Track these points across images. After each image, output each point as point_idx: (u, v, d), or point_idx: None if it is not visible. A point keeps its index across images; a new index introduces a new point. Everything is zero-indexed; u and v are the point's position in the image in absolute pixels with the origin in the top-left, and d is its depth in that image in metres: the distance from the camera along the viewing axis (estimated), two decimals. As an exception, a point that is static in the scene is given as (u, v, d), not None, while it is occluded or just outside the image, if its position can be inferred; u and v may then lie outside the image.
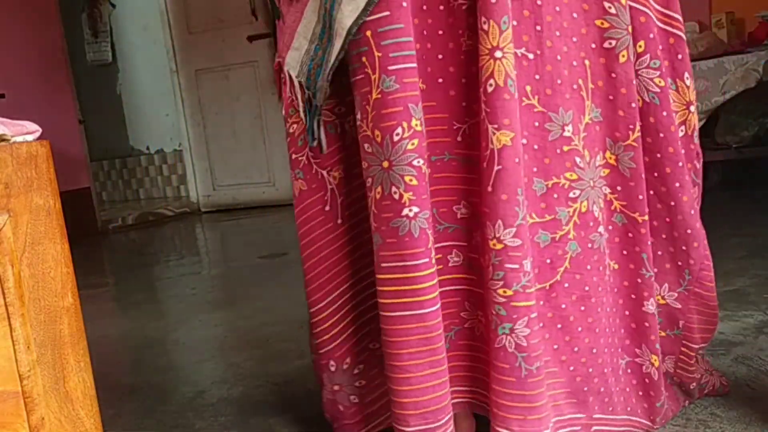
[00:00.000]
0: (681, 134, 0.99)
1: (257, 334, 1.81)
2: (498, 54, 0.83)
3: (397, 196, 0.85)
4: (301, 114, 0.96)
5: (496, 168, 0.85)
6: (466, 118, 0.90)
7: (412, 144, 0.84)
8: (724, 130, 3.02)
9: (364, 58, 0.85)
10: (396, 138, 0.84)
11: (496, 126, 0.84)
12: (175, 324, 2.04)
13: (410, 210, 0.85)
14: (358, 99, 0.88)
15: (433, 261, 0.88)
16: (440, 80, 0.90)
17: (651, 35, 0.95)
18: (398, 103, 0.84)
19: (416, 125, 0.85)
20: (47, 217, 0.61)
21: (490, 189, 0.86)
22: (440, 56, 0.90)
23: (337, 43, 0.86)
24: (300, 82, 0.95)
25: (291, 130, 0.99)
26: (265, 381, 1.46)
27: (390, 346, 0.89)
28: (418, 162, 0.85)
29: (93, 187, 4.27)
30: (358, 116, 0.88)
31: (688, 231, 1.01)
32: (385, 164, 0.85)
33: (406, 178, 0.85)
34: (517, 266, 0.86)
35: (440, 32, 0.89)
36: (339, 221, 0.99)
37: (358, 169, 0.95)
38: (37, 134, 0.64)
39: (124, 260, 3.44)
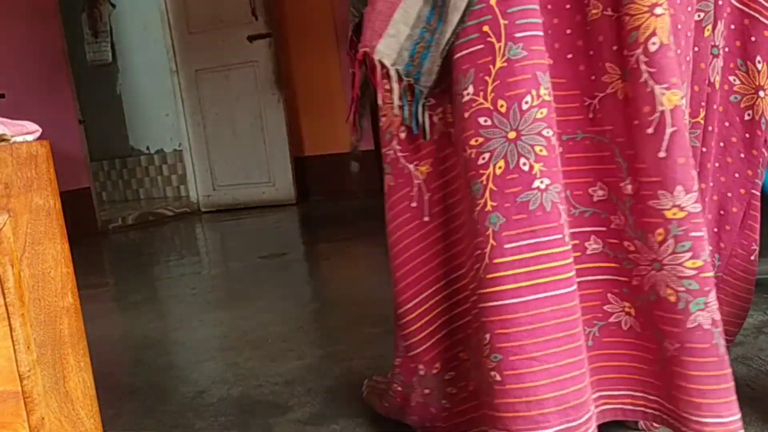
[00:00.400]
0: (747, 118, 0.97)
1: (257, 334, 1.81)
2: (658, 10, 0.78)
3: (526, 168, 0.80)
4: (396, 103, 0.92)
5: (669, 130, 0.79)
6: (595, 93, 0.86)
7: (541, 113, 0.81)
8: (724, 130, 3.02)
9: (485, 27, 0.81)
10: (525, 106, 0.80)
11: (665, 86, 0.79)
12: (175, 324, 2.04)
13: (541, 182, 0.81)
14: (471, 72, 0.83)
15: (567, 239, 0.82)
16: (570, 56, 0.86)
17: (720, 21, 0.92)
18: (526, 70, 0.80)
19: (544, 94, 0.81)
20: (47, 217, 0.61)
21: (663, 154, 0.80)
22: (569, 31, 0.86)
23: (455, 17, 0.83)
24: (397, 70, 0.91)
25: (380, 124, 0.95)
26: (265, 381, 1.46)
27: (519, 337, 0.81)
28: (548, 132, 0.81)
29: (93, 187, 4.27)
30: (471, 90, 0.83)
31: (721, 213, 0.99)
32: (512, 135, 0.81)
33: (536, 149, 0.80)
34: (702, 234, 0.80)
35: (567, 6, 0.86)
36: (426, 218, 0.94)
37: (448, 164, 0.92)
38: (37, 134, 0.64)
39: (124, 260, 3.44)
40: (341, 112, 4.64)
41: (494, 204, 0.82)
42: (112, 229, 4.32)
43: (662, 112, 0.79)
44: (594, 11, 0.84)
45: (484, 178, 0.82)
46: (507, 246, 0.81)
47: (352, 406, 1.28)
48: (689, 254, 0.80)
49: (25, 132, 0.63)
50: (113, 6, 5.64)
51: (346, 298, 2.10)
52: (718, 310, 0.81)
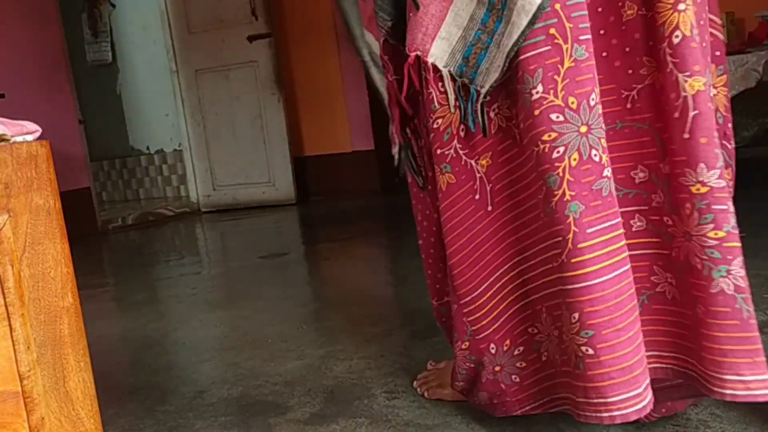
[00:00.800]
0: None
1: (257, 334, 1.81)
2: (681, 6, 0.87)
3: (597, 159, 0.89)
4: (452, 104, 0.99)
5: (691, 114, 0.87)
6: (633, 85, 0.94)
7: (600, 108, 0.90)
8: (724, 130, 3.01)
9: (552, 30, 0.89)
10: (592, 102, 0.89)
11: (687, 74, 0.87)
12: (175, 324, 2.04)
13: (608, 171, 0.90)
14: (540, 72, 0.89)
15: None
16: (604, 54, 0.94)
17: None
18: (590, 70, 0.89)
19: (599, 92, 0.90)
20: (47, 217, 0.61)
21: (686, 135, 0.88)
22: (602, 31, 0.94)
23: (522, 21, 0.89)
24: (450, 72, 0.98)
25: (435, 126, 1.01)
26: (265, 381, 1.46)
27: (608, 312, 0.89)
28: (605, 126, 0.91)
29: (93, 187, 4.27)
30: (540, 89, 0.89)
31: None
32: (583, 129, 0.89)
33: (602, 141, 0.89)
34: (725, 207, 0.88)
35: (599, 9, 0.93)
36: (489, 208, 1.01)
37: (509, 155, 0.98)
38: (37, 134, 0.64)
39: (124, 260, 3.44)
40: (341, 112, 4.65)
41: (572, 193, 0.89)
42: (112, 229, 4.32)
43: (685, 98, 0.88)
44: (629, 12, 0.92)
45: (560, 170, 0.89)
46: (589, 231, 0.89)
47: (352, 406, 1.28)
48: (712, 225, 0.88)
49: (25, 132, 0.63)
50: (113, 6, 5.64)
51: (346, 298, 2.10)
52: (743, 277, 0.88)
